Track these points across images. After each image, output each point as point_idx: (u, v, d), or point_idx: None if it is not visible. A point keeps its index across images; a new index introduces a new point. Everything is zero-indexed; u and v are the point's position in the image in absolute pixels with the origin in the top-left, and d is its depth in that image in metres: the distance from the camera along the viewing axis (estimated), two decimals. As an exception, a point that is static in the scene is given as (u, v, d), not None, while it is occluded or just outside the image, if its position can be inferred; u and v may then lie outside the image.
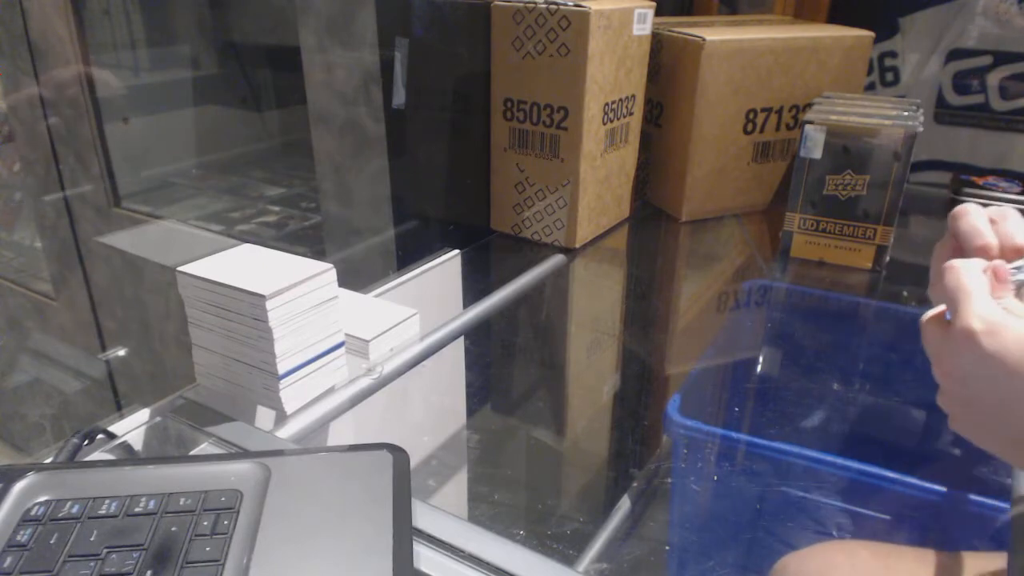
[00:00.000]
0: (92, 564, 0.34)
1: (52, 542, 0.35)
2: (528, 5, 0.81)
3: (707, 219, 1.02)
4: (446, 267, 0.85)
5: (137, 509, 0.37)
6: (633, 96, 0.93)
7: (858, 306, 0.88)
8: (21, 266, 1.48)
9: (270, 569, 0.34)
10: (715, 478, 0.66)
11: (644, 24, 0.90)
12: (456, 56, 0.85)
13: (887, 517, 0.59)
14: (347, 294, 0.64)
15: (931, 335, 0.41)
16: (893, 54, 1.21)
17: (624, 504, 0.75)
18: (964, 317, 0.37)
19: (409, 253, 0.84)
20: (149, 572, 0.34)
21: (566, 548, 0.68)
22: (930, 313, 0.42)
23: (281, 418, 0.52)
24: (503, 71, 0.86)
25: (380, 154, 0.82)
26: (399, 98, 0.79)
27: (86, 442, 0.47)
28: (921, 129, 0.81)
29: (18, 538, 0.35)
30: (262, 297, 0.47)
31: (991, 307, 0.37)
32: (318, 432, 0.53)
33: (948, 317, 0.40)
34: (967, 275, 0.39)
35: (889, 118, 0.83)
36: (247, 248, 0.55)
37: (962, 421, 0.40)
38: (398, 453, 0.42)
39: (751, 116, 0.97)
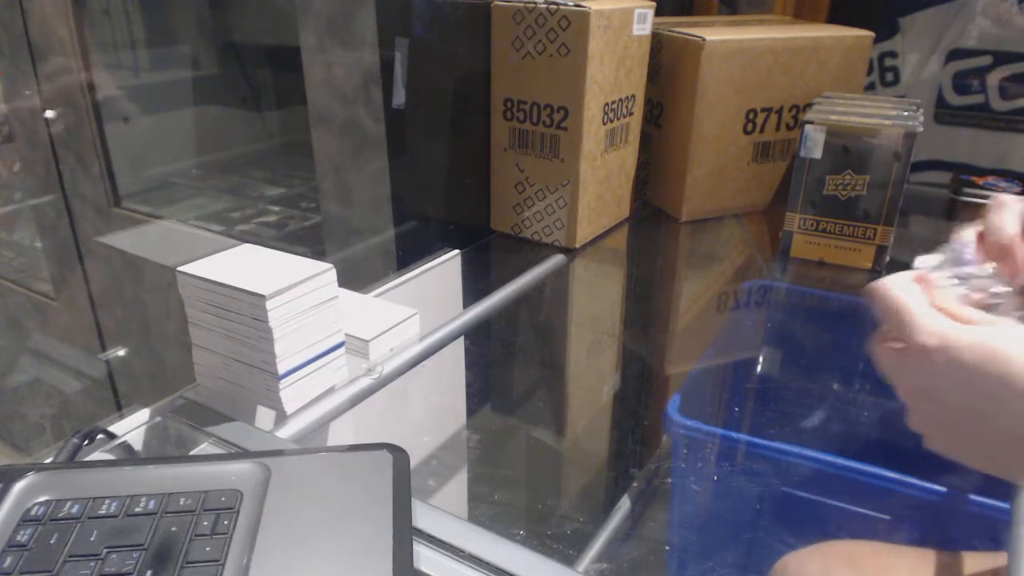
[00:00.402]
0: (92, 564, 0.34)
1: (52, 542, 0.35)
2: (528, 5, 0.81)
3: (707, 219, 1.02)
4: (446, 267, 0.85)
5: (137, 509, 0.37)
6: (633, 96, 0.93)
7: (858, 306, 0.88)
8: (21, 266, 1.48)
9: (270, 569, 0.34)
10: (715, 478, 0.66)
11: (644, 24, 0.90)
12: (456, 56, 0.85)
13: (887, 517, 0.59)
14: (347, 294, 0.64)
15: (884, 357, 0.40)
16: (893, 54, 1.21)
17: (624, 504, 0.75)
18: (914, 335, 0.37)
19: (409, 253, 0.84)
20: (149, 572, 0.34)
21: (566, 548, 0.68)
22: (877, 335, 0.41)
23: (281, 418, 0.52)
24: (503, 71, 0.86)
25: (380, 154, 0.82)
26: (399, 98, 0.79)
27: (86, 442, 0.47)
28: (921, 129, 0.81)
29: (18, 538, 0.35)
30: (262, 297, 0.47)
31: (937, 320, 0.36)
32: (318, 432, 0.53)
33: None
34: (902, 293, 0.38)
35: (889, 118, 0.83)
36: (247, 248, 0.55)
37: (937, 439, 0.39)
38: (398, 453, 0.42)
39: (751, 116, 0.97)
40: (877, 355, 0.41)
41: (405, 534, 0.36)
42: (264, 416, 0.54)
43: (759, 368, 0.86)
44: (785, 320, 0.91)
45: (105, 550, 0.35)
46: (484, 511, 0.74)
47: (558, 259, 0.89)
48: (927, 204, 1.11)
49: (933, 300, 0.38)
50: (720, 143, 0.97)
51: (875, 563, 0.52)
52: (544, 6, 0.80)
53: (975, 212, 1.04)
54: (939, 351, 0.35)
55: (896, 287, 0.38)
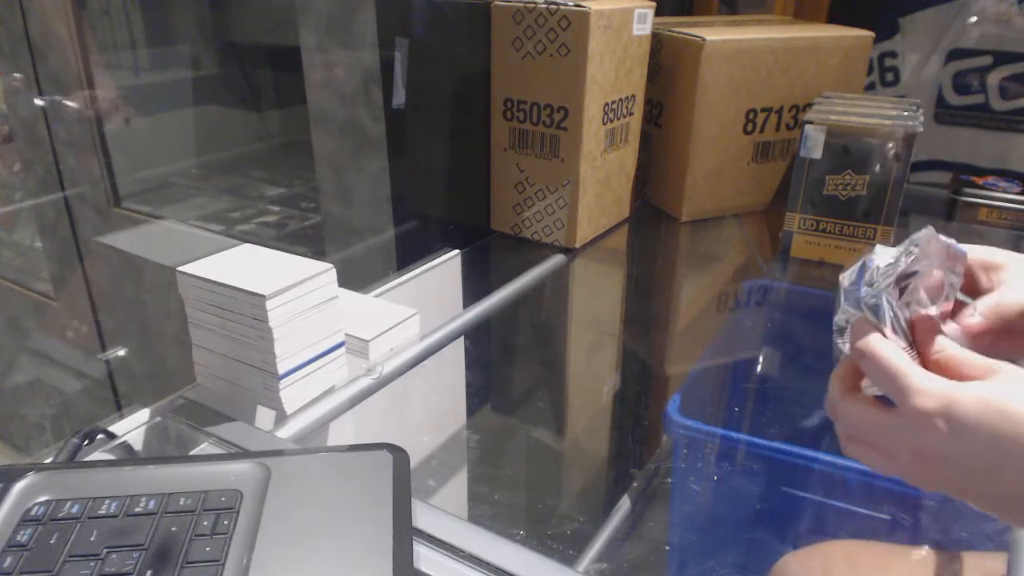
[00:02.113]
0: (92, 564, 0.34)
1: (52, 542, 0.35)
2: (528, 5, 0.81)
3: (707, 219, 1.02)
4: (446, 267, 0.85)
5: (137, 509, 0.37)
6: (633, 96, 0.93)
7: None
8: (21, 266, 1.48)
9: (270, 569, 0.34)
10: (715, 478, 0.66)
11: (644, 24, 0.90)
12: (456, 56, 0.85)
13: (887, 517, 0.59)
14: (347, 294, 0.64)
15: (871, 418, 0.37)
16: (893, 54, 1.21)
17: (624, 504, 0.75)
18: (913, 398, 0.34)
19: (409, 253, 0.84)
20: (149, 572, 0.34)
21: (566, 548, 0.68)
22: (841, 383, 0.38)
23: (281, 418, 0.52)
24: (503, 71, 0.86)
25: (380, 154, 0.82)
26: (399, 98, 0.79)
27: (86, 442, 0.47)
28: (921, 129, 0.81)
29: (18, 538, 0.35)
30: (262, 297, 0.47)
31: (934, 381, 0.34)
32: (318, 432, 0.53)
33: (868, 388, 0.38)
34: (893, 355, 0.35)
35: (889, 118, 0.83)
36: (247, 248, 0.55)
37: (955, 493, 0.37)
38: (398, 453, 0.42)
39: (751, 116, 0.97)
40: (854, 414, 0.37)
41: (405, 534, 0.36)
42: (264, 416, 0.54)
43: (759, 368, 0.86)
44: (785, 320, 0.91)
45: (105, 550, 0.35)
46: (484, 511, 0.74)
47: (558, 259, 0.89)
48: (927, 204, 1.11)
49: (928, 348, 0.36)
50: (720, 143, 0.97)
51: (875, 563, 0.52)
52: (544, 6, 0.80)
53: (975, 212, 1.04)
54: (941, 415, 0.33)
55: (887, 348, 0.36)
